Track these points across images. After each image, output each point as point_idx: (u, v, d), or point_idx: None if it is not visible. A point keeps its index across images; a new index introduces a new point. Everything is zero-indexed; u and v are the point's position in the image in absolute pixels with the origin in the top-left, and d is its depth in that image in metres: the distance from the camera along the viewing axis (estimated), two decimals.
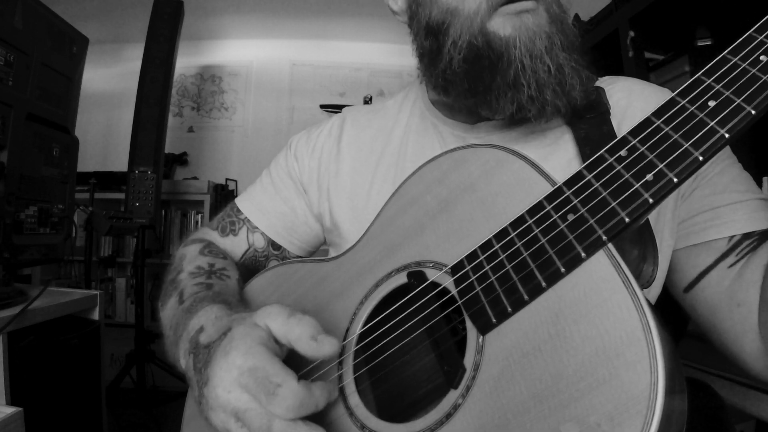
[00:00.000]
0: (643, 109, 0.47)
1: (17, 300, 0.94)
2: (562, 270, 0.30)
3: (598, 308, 0.28)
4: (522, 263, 0.32)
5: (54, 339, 1.00)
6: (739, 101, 0.29)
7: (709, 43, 1.11)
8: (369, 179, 0.56)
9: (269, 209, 0.62)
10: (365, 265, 0.44)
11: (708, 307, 0.45)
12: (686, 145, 0.29)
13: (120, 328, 2.18)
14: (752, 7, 0.56)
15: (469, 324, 0.34)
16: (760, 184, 0.94)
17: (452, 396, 0.32)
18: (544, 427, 0.27)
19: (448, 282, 0.37)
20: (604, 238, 0.29)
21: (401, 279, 0.40)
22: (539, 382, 0.28)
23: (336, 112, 0.66)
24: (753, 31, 0.31)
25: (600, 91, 0.51)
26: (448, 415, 0.32)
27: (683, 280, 0.48)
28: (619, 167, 0.31)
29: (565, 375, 0.27)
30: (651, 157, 0.30)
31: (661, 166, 0.30)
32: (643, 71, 1.25)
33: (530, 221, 0.33)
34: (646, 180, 0.30)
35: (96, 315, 1.14)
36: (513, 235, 0.34)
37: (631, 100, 0.51)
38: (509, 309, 0.32)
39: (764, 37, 0.30)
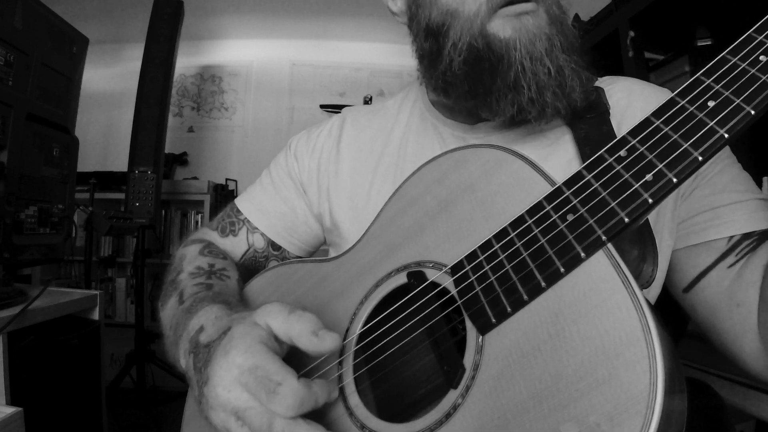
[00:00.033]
0: (642, 109, 0.47)
1: (17, 300, 0.94)
2: (562, 270, 0.30)
3: (598, 308, 0.28)
4: (521, 263, 0.32)
5: (54, 339, 1.00)
6: (738, 101, 0.29)
7: (709, 43, 1.11)
8: (369, 179, 0.56)
9: (269, 209, 0.62)
10: (365, 266, 0.44)
11: (707, 307, 0.45)
12: (686, 145, 0.29)
13: (120, 328, 2.18)
14: (752, 7, 0.56)
15: (468, 324, 0.34)
16: (759, 184, 0.94)
17: (452, 396, 0.32)
18: (544, 427, 0.27)
19: (447, 282, 0.37)
20: (604, 238, 0.29)
21: (401, 279, 0.40)
22: (539, 382, 0.28)
23: (336, 112, 0.66)
24: (753, 31, 0.31)
25: (600, 92, 0.51)
26: (448, 415, 0.32)
27: (683, 280, 0.48)
28: (618, 167, 0.31)
29: (564, 375, 0.27)
30: (650, 157, 0.30)
31: (660, 166, 0.30)
32: (643, 71, 1.25)
33: (530, 221, 0.33)
34: (646, 180, 0.30)
35: (96, 315, 1.14)
36: (512, 235, 0.34)
37: (630, 100, 0.51)
38: (509, 309, 0.32)
39: (764, 37, 0.31)
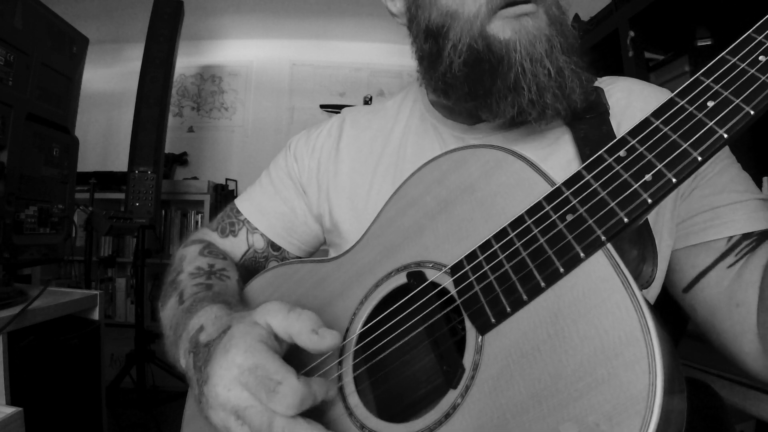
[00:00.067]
0: (642, 109, 0.47)
1: (17, 300, 0.94)
2: (561, 270, 0.30)
3: (597, 308, 0.28)
4: (521, 263, 0.32)
5: (54, 339, 1.00)
6: (738, 101, 0.29)
7: (709, 43, 1.11)
8: (368, 180, 0.56)
9: (269, 210, 0.62)
10: (365, 266, 0.44)
11: (707, 308, 0.45)
12: (685, 146, 0.29)
13: (120, 328, 2.18)
14: (752, 7, 0.56)
15: (468, 324, 0.34)
16: (759, 184, 0.94)
17: (451, 396, 0.32)
18: (543, 427, 0.27)
19: (447, 282, 0.37)
20: (603, 238, 0.29)
21: (401, 279, 0.40)
22: (538, 382, 0.28)
23: (336, 112, 0.67)
24: (752, 32, 0.31)
25: (599, 92, 0.51)
26: (447, 415, 0.32)
27: (682, 281, 0.48)
28: (618, 167, 0.31)
29: (564, 375, 0.27)
30: (650, 157, 0.30)
31: (660, 166, 0.30)
32: (643, 71, 1.25)
33: (529, 221, 0.33)
34: (645, 180, 0.30)
35: (96, 315, 1.14)
36: (512, 235, 0.34)
37: (630, 101, 0.51)
38: (508, 309, 0.32)
39: (763, 37, 0.31)
